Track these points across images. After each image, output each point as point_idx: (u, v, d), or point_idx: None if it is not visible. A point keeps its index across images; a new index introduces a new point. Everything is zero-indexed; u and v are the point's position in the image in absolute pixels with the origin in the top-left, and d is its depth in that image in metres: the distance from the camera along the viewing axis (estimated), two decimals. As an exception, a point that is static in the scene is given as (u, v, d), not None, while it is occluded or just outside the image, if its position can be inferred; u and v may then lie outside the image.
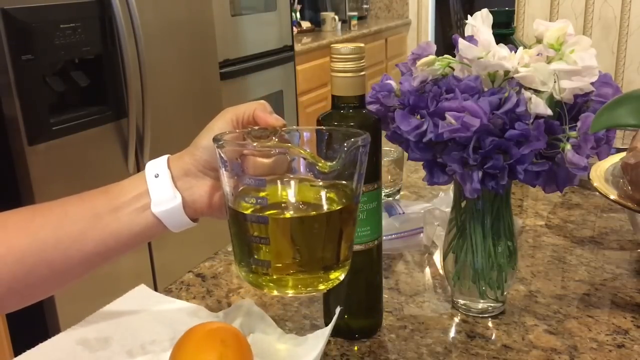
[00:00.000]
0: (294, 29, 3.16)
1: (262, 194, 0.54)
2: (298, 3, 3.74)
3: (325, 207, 0.55)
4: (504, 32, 0.87)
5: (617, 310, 0.70)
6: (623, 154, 0.81)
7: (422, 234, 0.86)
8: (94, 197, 0.59)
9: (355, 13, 3.85)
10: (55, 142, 1.60)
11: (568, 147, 0.57)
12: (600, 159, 0.61)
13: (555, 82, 0.56)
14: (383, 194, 1.00)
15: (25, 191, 1.55)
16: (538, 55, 0.58)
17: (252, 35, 2.57)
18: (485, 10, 0.61)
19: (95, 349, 0.64)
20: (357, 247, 0.63)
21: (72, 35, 1.60)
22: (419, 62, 0.60)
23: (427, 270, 0.81)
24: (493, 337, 0.66)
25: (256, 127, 0.58)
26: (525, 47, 0.59)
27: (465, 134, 0.55)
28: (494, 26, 0.60)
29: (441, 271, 0.79)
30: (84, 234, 0.57)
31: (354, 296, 0.66)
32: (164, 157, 0.60)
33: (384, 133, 0.65)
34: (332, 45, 0.61)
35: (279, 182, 0.56)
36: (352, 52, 0.60)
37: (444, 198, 0.94)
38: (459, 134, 0.55)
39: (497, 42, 0.59)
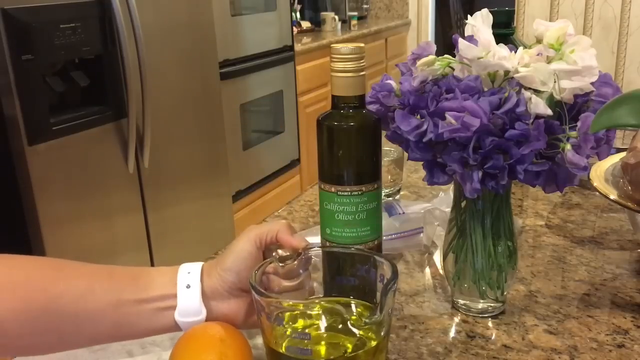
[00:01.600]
0: (294, 29, 3.16)
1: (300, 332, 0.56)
2: (298, 3, 3.74)
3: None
4: (504, 32, 0.87)
5: (617, 310, 0.70)
6: (623, 154, 0.81)
7: (422, 234, 0.86)
8: (122, 281, 0.59)
9: (355, 13, 3.85)
10: (55, 142, 1.60)
11: (568, 147, 0.57)
12: (600, 159, 0.61)
13: (555, 82, 0.56)
14: (383, 194, 1.00)
15: (25, 191, 1.55)
16: (538, 55, 0.58)
17: (252, 35, 2.57)
18: (485, 10, 0.61)
19: (95, 349, 0.64)
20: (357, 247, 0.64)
21: (72, 35, 1.60)
22: (419, 62, 0.60)
23: (427, 270, 0.81)
24: (493, 337, 0.66)
25: (280, 250, 0.60)
26: (525, 47, 0.59)
27: (465, 134, 0.55)
28: (494, 26, 0.60)
29: (441, 271, 0.79)
30: (102, 315, 0.57)
31: None
32: (199, 268, 0.60)
33: (384, 133, 0.65)
34: (332, 45, 0.61)
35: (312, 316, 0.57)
36: (352, 52, 0.60)
37: (444, 198, 0.94)
38: (459, 134, 0.55)
39: (497, 42, 0.59)
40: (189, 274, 0.59)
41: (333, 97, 0.62)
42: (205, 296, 0.59)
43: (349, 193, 0.63)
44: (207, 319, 0.59)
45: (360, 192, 0.63)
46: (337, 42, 3.21)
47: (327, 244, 0.64)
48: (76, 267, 0.59)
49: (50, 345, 0.58)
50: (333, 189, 0.63)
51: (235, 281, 0.59)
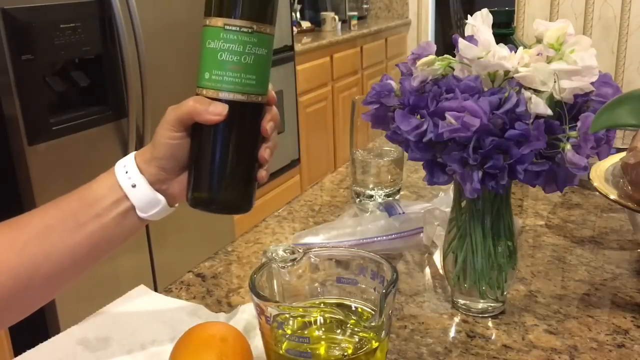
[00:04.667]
0: (294, 28, 3.16)
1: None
2: (298, 3, 3.74)
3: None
4: (504, 32, 0.87)
5: (617, 310, 0.70)
6: (623, 154, 0.81)
7: (422, 234, 0.86)
8: (70, 205, 0.60)
9: (355, 13, 3.85)
10: (55, 142, 1.60)
11: (568, 147, 0.57)
12: (600, 159, 0.61)
13: (555, 82, 0.56)
14: (383, 193, 1.00)
15: (25, 191, 1.55)
16: (538, 55, 0.58)
17: (252, 35, 2.57)
18: (485, 10, 0.61)
19: (95, 349, 0.64)
20: (238, 97, 0.57)
21: (72, 35, 1.60)
22: (419, 62, 0.60)
23: (427, 270, 0.81)
24: (493, 337, 0.66)
25: (280, 251, 0.59)
26: (525, 47, 0.59)
27: (465, 134, 0.55)
28: (494, 26, 0.60)
29: (441, 271, 0.79)
30: (72, 244, 0.58)
31: (225, 157, 0.59)
32: (133, 164, 0.61)
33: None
34: None
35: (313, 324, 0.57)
36: None
37: (444, 198, 0.94)
38: (459, 134, 0.55)
39: (497, 42, 0.59)
40: (128, 173, 0.60)
41: None
42: (155, 185, 0.60)
43: (238, 29, 0.56)
44: (169, 202, 0.61)
45: (250, 31, 0.56)
46: (337, 42, 3.21)
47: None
48: (25, 216, 0.60)
49: (41, 293, 0.59)
50: (220, 23, 0.56)
51: (174, 165, 0.61)
